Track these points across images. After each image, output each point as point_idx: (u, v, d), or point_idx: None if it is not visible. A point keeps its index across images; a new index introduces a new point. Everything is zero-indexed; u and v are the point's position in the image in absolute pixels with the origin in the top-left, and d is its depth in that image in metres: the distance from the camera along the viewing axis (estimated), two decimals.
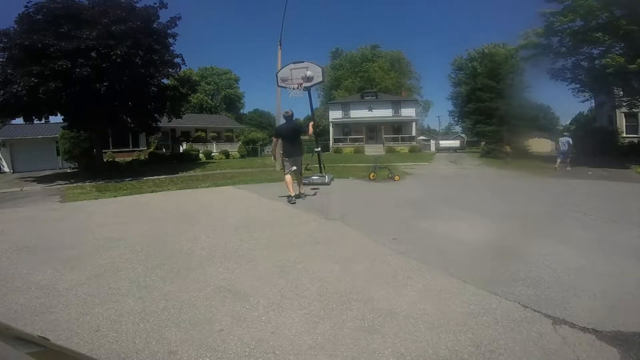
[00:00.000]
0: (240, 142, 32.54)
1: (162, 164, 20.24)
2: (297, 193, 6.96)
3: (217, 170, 15.60)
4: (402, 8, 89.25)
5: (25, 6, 12.75)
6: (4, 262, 3.70)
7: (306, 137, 8.54)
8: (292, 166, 6.75)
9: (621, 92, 18.39)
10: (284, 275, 3.12)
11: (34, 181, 14.37)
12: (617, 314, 2.31)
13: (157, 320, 2.37)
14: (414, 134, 36.25)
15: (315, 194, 7.60)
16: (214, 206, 6.87)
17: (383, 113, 36.75)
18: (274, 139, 7.27)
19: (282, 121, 8.00)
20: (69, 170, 19.71)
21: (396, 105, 37.35)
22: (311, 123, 7.67)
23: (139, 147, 25.94)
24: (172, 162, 21.15)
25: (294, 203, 6.44)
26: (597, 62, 15.98)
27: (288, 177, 6.66)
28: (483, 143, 25.02)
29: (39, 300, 2.74)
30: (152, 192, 9.11)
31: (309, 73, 8.96)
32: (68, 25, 12.36)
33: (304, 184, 7.61)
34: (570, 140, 13.73)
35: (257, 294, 2.76)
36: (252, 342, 2.08)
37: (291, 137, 6.91)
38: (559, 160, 13.60)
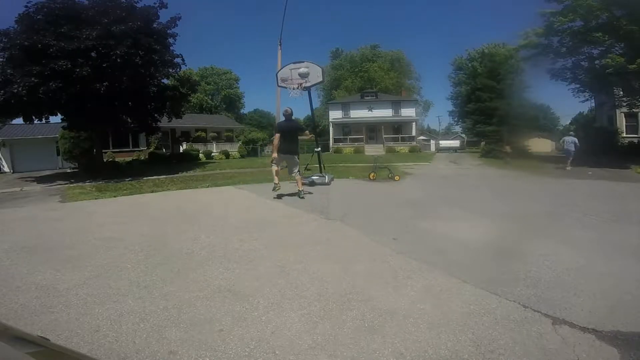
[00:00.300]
0: (240, 142, 32.55)
1: (162, 164, 20.23)
2: (297, 191, 7.11)
3: (217, 170, 15.60)
4: (402, 8, 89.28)
5: (26, 6, 12.75)
6: (4, 262, 3.70)
7: (305, 138, 8.63)
8: (282, 161, 7.14)
9: (621, 92, 18.39)
10: (284, 275, 3.12)
11: (34, 181, 14.37)
12: (617, 314, 2.31)
13: (157, 320, 2.37)
14: (414, 134, 36.24)
15: (311, 193, 7.59)
16: (214, 206, 6.87)
17: (383, 113, 36.74)
18: (276, 135, 7.32)
19: (282, 120, 8.07)
20: (69, 170, 19.72)
21: (396, 105, 37.34)
22: (307, 133, 7.77)
23: (139, 147, 25.93)
24: (172, 162, 21.13)
25: (279, 189, 6.96)
26: (597, 62, 15.99)
27: (274, 168, 7.11)
28: (483, 143, 25.00)
29: (39, 300, 2.74)
30: (152, 192, 9.10)
31: (302, 70, 8.98)
32: (68, 25, 12.35)
33: (304, 183, 7.62)
34: (577, 141, 13.78)
35: (257, 294, 2.76)
36: (252, 342, 2.09)
37: (289, 134, 7.12)
38: (569, 159, 13.65)
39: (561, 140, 15.02)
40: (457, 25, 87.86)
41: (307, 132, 7.61)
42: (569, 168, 13.19)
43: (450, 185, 9.75)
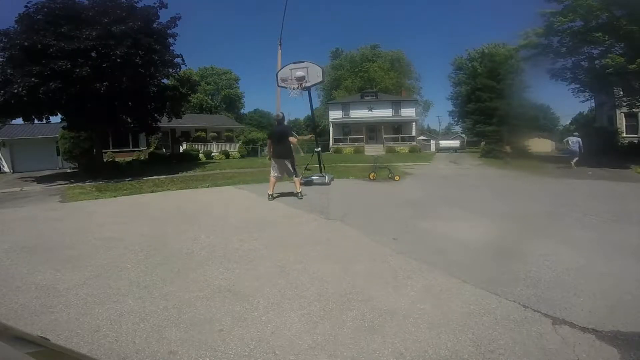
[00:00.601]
0: (240, 142, 32.54)
1: (162, 164, 20.22)
2: (296, 192, 7.16)
3: (217, 170, 15.60)
4: (402, 8, 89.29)
5: (26, 6, 12.74)
6: (4, 262, 3.70)
7: (293, 141, 8.16)
8: (278, 168, 7.19)
9: (621, 92, 18.39)
10: (284, 275, 3.13)
11: (34, 181, 14.36)
12: (617, 314, 2.31)
13: (157, 320, 2.37)
14: (414, 134, 36.22)
15: (308, 193, 7.59)
16: (214, 206, 6.87)
17: (383, 113, 36.72)
18: (268, 141, 7.66)
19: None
20: (69, 170, 19.71)
21: (396, 105, 37.32)
22: (293, 140, 7.48)
23: (139, 147, 25.92)
24: (172, 162, 21.12)
25: (271, 200, 6.95)
26: (597, 62, 15.98)
27: (272, 178, 7.18)
28: (483, 143, 24.98)
29: (39, 300, 2.74)
30: (152, 192, 9.11)
31: (299, 74, 8.93)
32: (68, 25, 12.33)
33: (301, 184, 7.63)
34: (581, 141, 13.98)
35: (257, 294, 2.76)
36: (252, 342, 2.09)
37: (278, 139, 7.21)
38: (574, 159, 13.85)
39: (565, 140, 15.12)
40: (457, 25, 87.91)
41: (292, 138, 7.36)
42: (574, 166, 13.35)
43: (450, 185, 9.75)
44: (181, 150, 27.10)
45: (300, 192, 7.14)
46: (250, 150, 30.55)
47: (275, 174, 7.18)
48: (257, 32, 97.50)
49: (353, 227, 4.78)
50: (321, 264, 3.40)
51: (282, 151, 7.16)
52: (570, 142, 14.17)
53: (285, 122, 7.95)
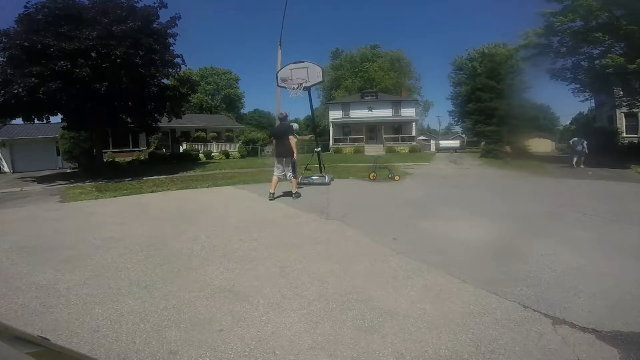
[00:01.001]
0: (240, 142, 32.56)
1: (162, 164, 20.24)
2: (293, 192, 7.18)
3: (217, 170, 15.60)
4: (402, 8, 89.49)
5: (25, 6, 12.74)
6: (4, 262, 3.70)
7: (291, 142, 7.65)
8: (280, 167, 7.19)
9: (621, 92, 18.40)
10: (284, 275, 3.13)
11: (34, 181, 14.36)
12: (617, 314, 2.31)
13: (157, 320, 2.37)
14: (414, 134, 36.23)
15: (311, 192, 7.59)
16: (214, 206, 6.87)
17: (383, 113, 36.74)
18: (270, 139, 7.76)
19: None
20: (69, 170, 19.71)
21: (396, 105, 37.34)
22: (292, 139, 7.28)
23: (139, 147, 25.93)
24: (172, 162, 21.14)
25: (272, 199, 6.95)
26: (597, 62, 15.98)
27: (274, 177, 7.19)
28: (483, 143, 24.97)
29: (39, 300, 2.74)
30: (152, 192, 9.10)
31: (292, 98, 9.01)
32: (68, 25, 12.33)
33: (299, 184, 7.64)
34: (584, 142, 14.38)
35: (257, 294, 2.76)
36: (252, 342, 2.09)
37: (280, 138, 7.24)
38: (575, 159, 14.26)
39: (571, 141, 15.43)
40: (457, 25, 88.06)
41: (292, 137, 7.22)
42: (581, 166, 13.68)
43: (450, 185, 9.74)
44: (181, 150, 27.12)
45: (296, 193, 7.16)
46: (250, 150, 30.58)
47: (278, 173, 7.18)
48: (257, 32, 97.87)
49: (353, 227, 4.78)
50: (321, 264, 3.40)
51: (283, 150, 7.17)
52: (574, 143, 14.56)
53: (288, 122, 7.90)
